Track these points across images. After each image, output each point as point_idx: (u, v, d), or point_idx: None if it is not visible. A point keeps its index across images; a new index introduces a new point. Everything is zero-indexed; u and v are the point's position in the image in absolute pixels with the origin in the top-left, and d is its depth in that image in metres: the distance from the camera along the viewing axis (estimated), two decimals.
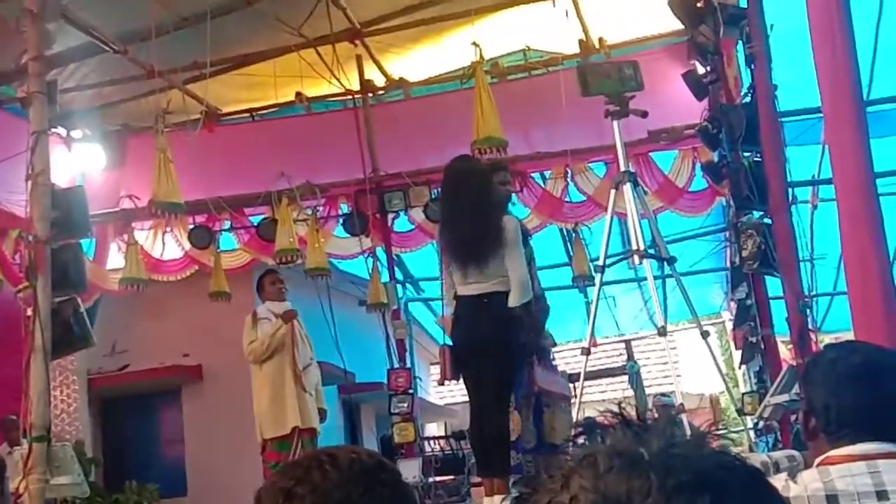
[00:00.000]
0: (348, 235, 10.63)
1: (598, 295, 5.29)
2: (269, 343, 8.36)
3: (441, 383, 6.47)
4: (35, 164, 5.51)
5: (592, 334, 5.46)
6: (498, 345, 5.74)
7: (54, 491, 5.44)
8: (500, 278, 5.78)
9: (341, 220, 10.63)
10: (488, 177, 6.21)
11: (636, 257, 4.92)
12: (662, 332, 5.15)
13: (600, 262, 5.17)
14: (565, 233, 11.77)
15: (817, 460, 2.31)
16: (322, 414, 8.75)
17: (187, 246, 10.53)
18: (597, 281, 5.24)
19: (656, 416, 0.97)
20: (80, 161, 10.12)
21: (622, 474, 0.86)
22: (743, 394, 8.38)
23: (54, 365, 6.14)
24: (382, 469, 1.78)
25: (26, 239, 5.55)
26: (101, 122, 10.11)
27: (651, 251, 5.30)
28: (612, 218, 5.29)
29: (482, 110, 7.75)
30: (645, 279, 12.89)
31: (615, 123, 5.10)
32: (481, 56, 8.45)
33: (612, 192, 5.18)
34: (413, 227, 10.73)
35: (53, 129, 7.46)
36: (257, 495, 1.77)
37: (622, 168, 5.13)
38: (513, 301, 5.65)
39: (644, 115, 5.22)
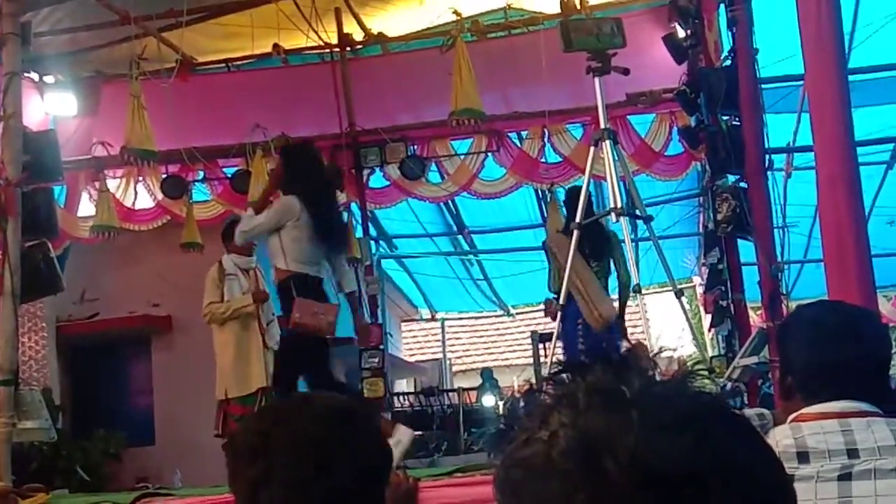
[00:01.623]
0: None
1: (574, 252, 5.27)
2: (230, 314, 8.11)
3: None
4: (7, 106, 5.44)
5: (567, 293, 5.48)
6: None
7: (21, 435, 5.42)
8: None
9: None
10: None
11: (614, 215, 4.91)
12: (637, 289, 5.17)
13: (577, 220, 5.17)
14: (540, 193, 11.77)
15: (790, 417, 2.31)
16: None
17: (160, 195, 10.41)
18: (573, 239, 5.24)
19: (637, 356, 0.96)
20: (52, 107, 9.96)
21: (603, 411, 0.85)
22: (711, 357, 8.44)
23: (23, 311, 6.10)
24: (357, 413, 1.78)
25: None
26: (75, 67, 9.94)
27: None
28: (590, 175, 5.28)
29: (461, 80, 7.71)
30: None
31: (596, 80, 5.07)
32: (462, 25, 8.39)
33: (592, 148, 5.17)
34: (388, 183, 10.66)
35: (26, 74, 7.33)
36: (231, 440, 1.75)
37: (602, 125, 5.10)
38: None
39: (626, 72, 5.19)
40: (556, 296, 7.61)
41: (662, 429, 0.83)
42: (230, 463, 1.71)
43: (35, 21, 8.27)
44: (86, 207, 10.51)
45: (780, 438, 2.23)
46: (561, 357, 6.49)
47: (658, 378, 0.92)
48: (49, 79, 10.00)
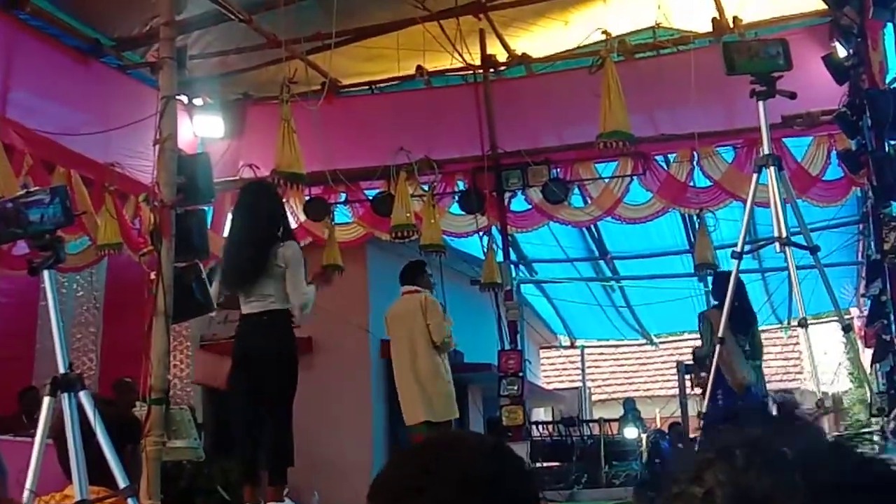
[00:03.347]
0: (464, 213, 10.66)
1: (735, 283, 5.18)
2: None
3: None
4: (163, 129, 5.63)
5: (726, 326, 5.38)
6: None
7: (171, 454, 5.59)
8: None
9: (457, 198, 10.65)
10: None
11: (778, 244, 4.79)
12: (804, 323, 5.03)
13: (738, 248, 5.06)
14: (687, 218, 11.58)
15: None
16: None
17: (302, 217, 10.64)
18: (734, 268, 5.13)
19: (804, 411, 0.92)
20: (200, 129, 10.32)
21: (764, 471, 0.82)
22: (874, 395, 8.12)
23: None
24: (506, 448, 1.80)
25: (152, 203, 5.67)
26: (222, 90, 10.28)
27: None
28: (752, 202, 5.17)
29: (610, 102, 7.63)
30: (770, 270, 12.65)
31: (760, 105, 4.95)
32: (611, 45, 8.35)
33: (754, 176, 5.06)
34: (530, 206, 10.69)
35: (177, 96, 7.61)
36: (387, 478, 1.74)
37: (766, 151, 4.99)
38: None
39: (792, 96, 5.07)
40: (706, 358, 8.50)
41: (828, 494, 0.79)
42: (384, 499, 1.71)
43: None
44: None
45: None
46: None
47: (821, 436, 0.88)
48: (197, 101, 10.37)
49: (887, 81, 7.20)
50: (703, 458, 0.87)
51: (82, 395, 3.63)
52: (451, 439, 1.76)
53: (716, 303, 8.77)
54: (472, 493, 1.65)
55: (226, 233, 10.71)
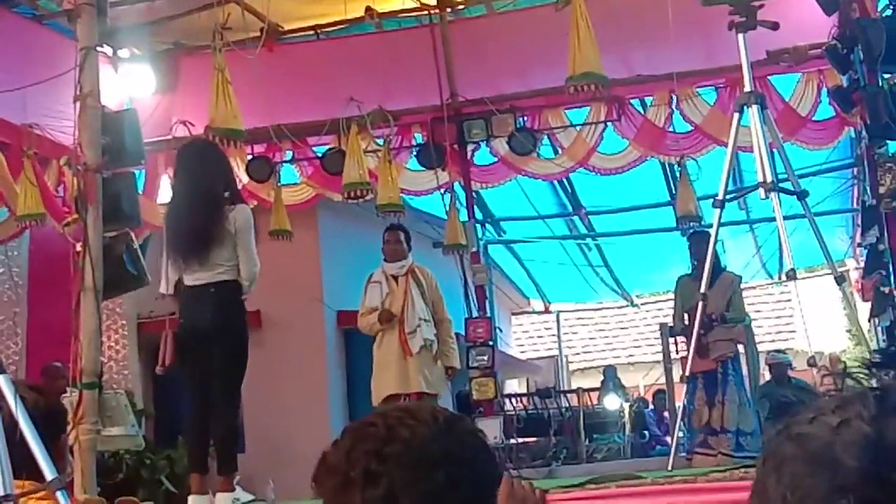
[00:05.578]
0: (423, 168, 10.64)
1: (717, 234, 5.21)
2: (368, 330, 8.68)
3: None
4: (83, 84, 5.57)
5: (709, 281, 5.42)
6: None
7: (106, 443, 5.56)
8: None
9: (415, 152, 10.62)
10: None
11: (762, 190, 4.81)
12: (791, 275, 5.07)
13: (719, 196, 5.08)
14: (667, 167, 11.63)
15: None
16: (451, 372, 8.89)
17: (245, 179, 10.56)
18: (715, 218, 5.16)
19: None
20: (127, 84, 10.18)
21: None
22: (872, 352, 8.23)
23: (102, 308, 6.23)
24: (463, 419, 1.81)
25: (74, 167, 5.61)
26: (151, 40, 10.15)
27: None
28: (734, 145, 5.19)
29: (580, 41, 7.56)
30: (758, 221, 12.74)
31: (740, 37, 4.96)
32: None
33: (735, 115, 5.07)
34: (495, 159, 10.68)
35: (99, 48, 7.50)
36: (332, 464, 1.72)
37: (747, 88, 5.00)
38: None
39: (775, 27, 5.08)
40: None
41: None
42: (334, 488, 1.69)
43: None
44: (166, 193, 10.73)
45: None
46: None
47: None
48: (124, 53, 10.21)
49: (879, 9, 7.21)
50: (855, 391, 0.89)
51: (1, 379, 3.59)
52: (399, 414, 1.74)
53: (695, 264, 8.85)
54: (433, 470, 1.65)
55: (161, 199, 10.71)
